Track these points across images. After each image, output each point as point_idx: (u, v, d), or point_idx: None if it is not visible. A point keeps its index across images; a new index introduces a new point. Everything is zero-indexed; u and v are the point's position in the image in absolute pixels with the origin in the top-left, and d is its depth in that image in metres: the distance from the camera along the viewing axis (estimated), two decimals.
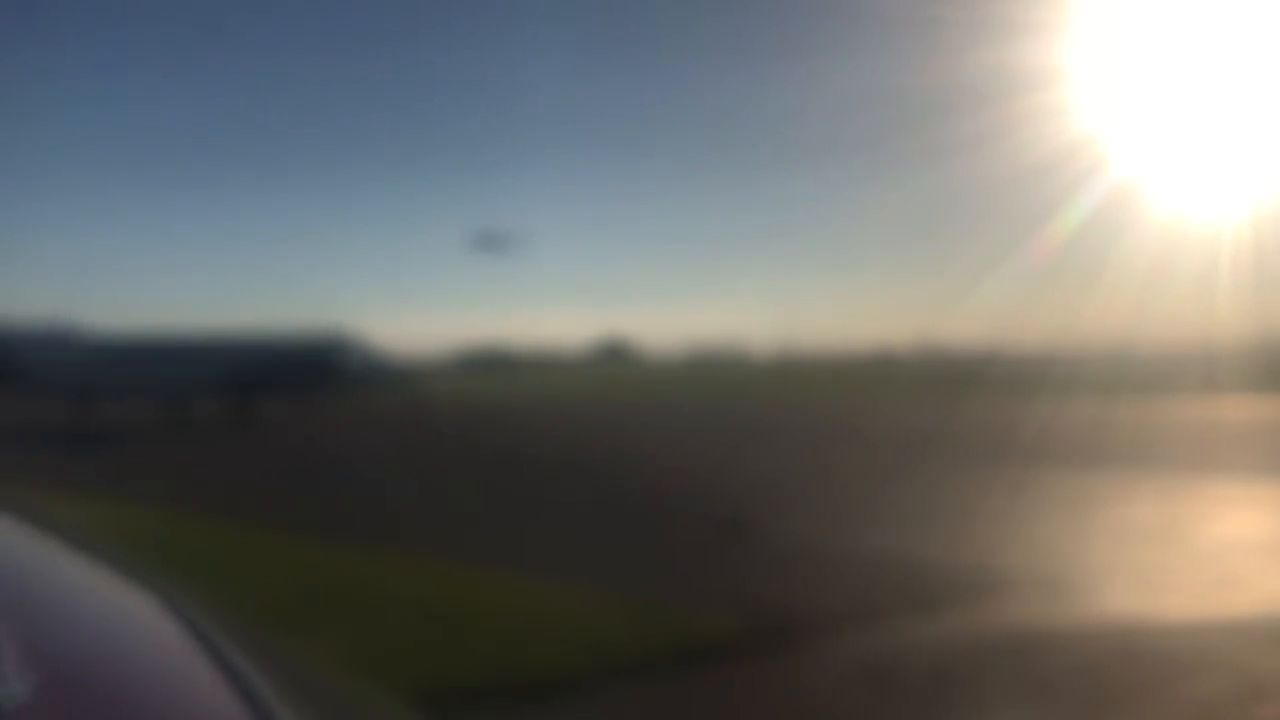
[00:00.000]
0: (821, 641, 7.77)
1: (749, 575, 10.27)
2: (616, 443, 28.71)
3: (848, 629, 8.11)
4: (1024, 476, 17.43)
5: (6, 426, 29.60)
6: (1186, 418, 33.28)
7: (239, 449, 27.86)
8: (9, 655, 0.90)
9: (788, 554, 11.38)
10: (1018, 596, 9.30)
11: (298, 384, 39.31)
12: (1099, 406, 35.02)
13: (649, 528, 13.48)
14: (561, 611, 8.36)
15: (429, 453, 25.90)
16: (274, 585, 9.20)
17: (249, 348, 40.51)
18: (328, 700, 1.33)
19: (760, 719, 6.43)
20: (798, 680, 7.01)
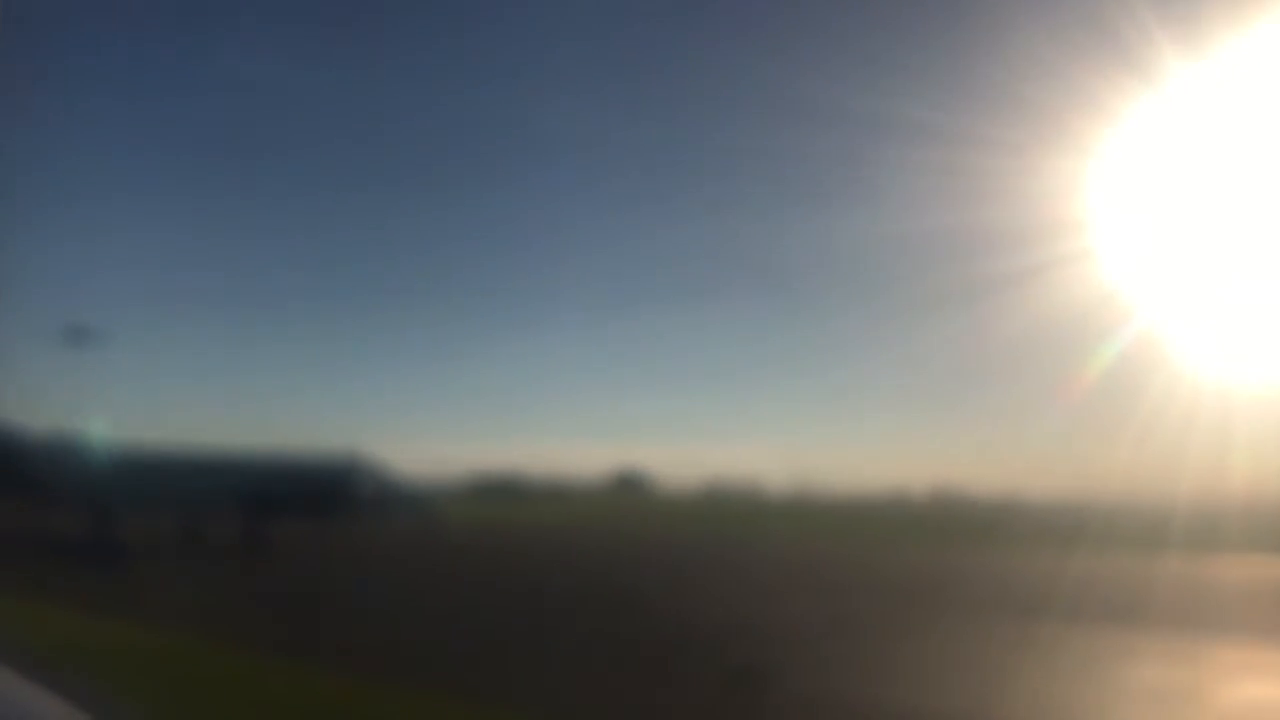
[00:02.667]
0: None
1: None
2: (628, 579, 28.55)
3: None
4: (1030, 632, 17.32)
5: (21, 536, 29.69)
6: (1210, 576, 32.88)
7: (249, 574, 27.81)
8: None
9: (798, 706, 11.36)
10: None
11: (311, 505, 39.31)
12: (1116, 560, 34.62)
13: (657, 673, 13.45)
14: None
15: (436, 585, 25.81)
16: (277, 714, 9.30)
17: (264, 467, 40.63)
18: None
19: None
20: None
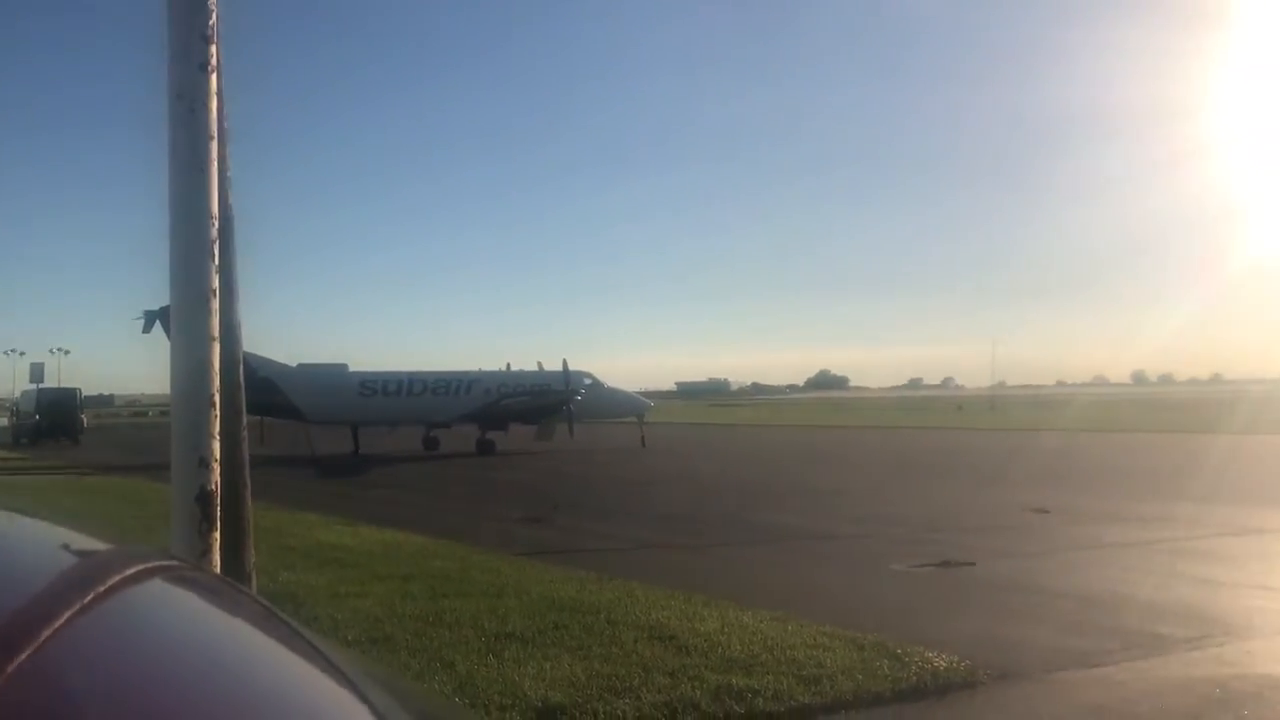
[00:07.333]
0: None
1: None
2: (810, 470, 28.38)
3: None
4: None
5: (281, 455, 31.53)
6: None
7: (472, 477, 28.80)
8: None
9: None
10: None
11: (535, 415, 40.50)
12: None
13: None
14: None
15: (619, 477, 26.24)
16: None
17: (490, 384, 41.93)
18: None
19: None
20: None
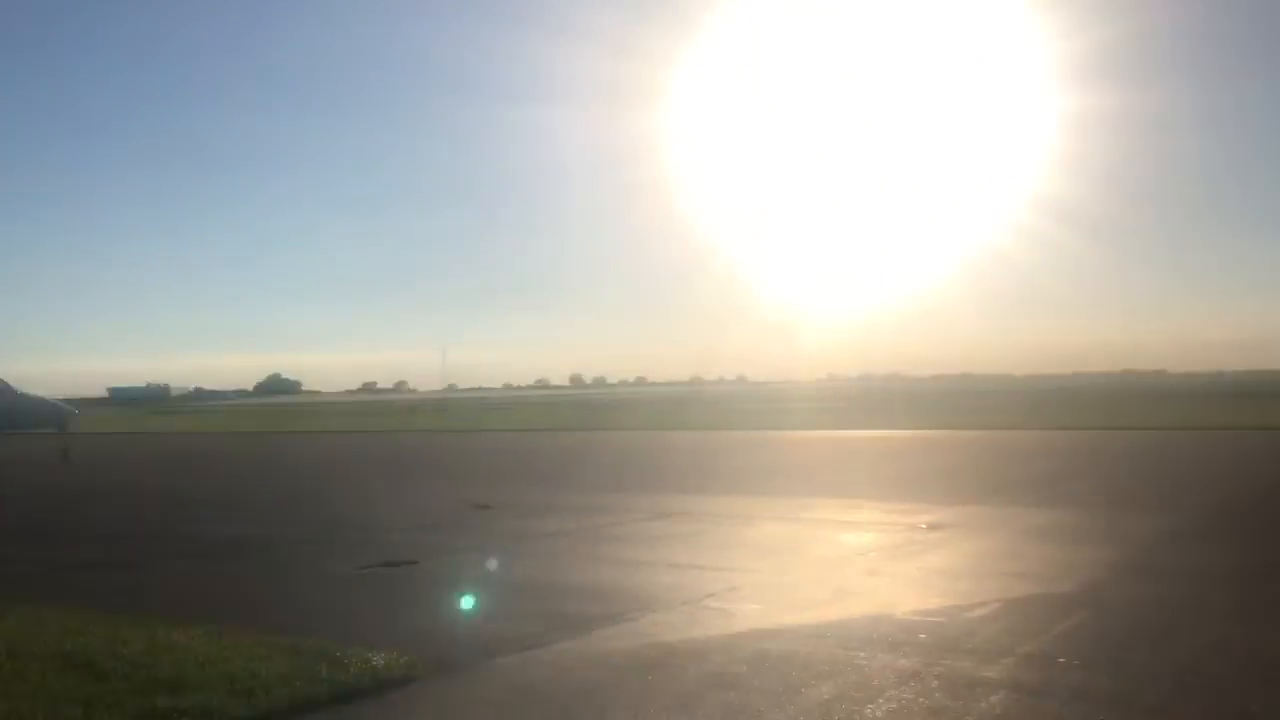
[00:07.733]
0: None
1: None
2: (269, 473, 27.58)
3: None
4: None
5: None
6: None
7: None
8: None
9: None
10: None
11: None
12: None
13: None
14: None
15: (39, 493, 23.82)
16: None
17: None
18: None
19: None
20: None
